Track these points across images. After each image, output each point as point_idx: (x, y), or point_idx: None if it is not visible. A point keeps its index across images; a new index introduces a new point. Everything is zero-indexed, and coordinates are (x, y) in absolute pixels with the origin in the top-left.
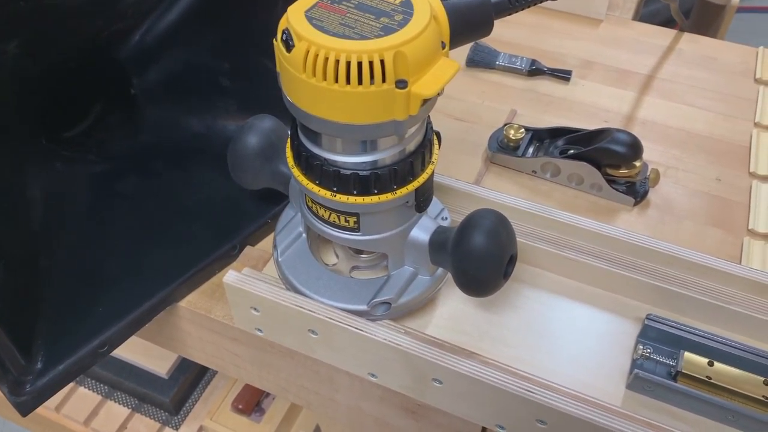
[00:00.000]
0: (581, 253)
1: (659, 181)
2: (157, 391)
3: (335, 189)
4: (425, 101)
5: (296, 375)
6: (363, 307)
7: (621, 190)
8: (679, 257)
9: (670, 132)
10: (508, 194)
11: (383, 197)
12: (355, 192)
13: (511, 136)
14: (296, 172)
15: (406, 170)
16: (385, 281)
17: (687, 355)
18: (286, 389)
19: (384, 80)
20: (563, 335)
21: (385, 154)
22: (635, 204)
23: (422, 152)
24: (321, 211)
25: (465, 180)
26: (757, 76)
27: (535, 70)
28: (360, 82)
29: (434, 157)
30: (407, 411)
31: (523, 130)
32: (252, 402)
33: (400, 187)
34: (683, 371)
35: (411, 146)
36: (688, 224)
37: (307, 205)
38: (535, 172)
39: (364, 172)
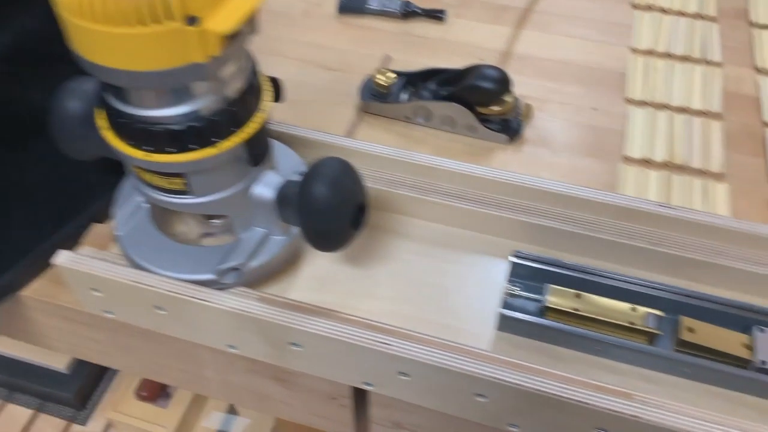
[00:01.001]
0: (445, 195)
1: (534, 116)
2: (60, 388)
3: (148, 148)
4: (227, 39)
5: (160, 355)
6: (209, 276)
7: (495, 128)
8: (545, 190)
9: (547, 65)
10: (375, 143)
11: (204, 153)
12: (171, 149)
13: (381, 82)
14: (108, 134)
15: (228, 121)
16: (234, 246)
17: (553, 288)
18: (156, 371)
19: (170, 17)
20: (434, 282)
21: (198, 104)
22: (510, 141)
23: (246, 100)
24: (145, 175)
25: (337, 132)
26: (634, 0)
27: (409, 13)
28: (142, 21)
29: (265, 104)
30: (276, 380)
31: (393, 74)
32: (156, 388)
33: (223, 140)
34: (550, 305)
35: (231, 93)
36: (564, 157)
37: (134, 171)
38: (408, 118)
39: (177, 126)
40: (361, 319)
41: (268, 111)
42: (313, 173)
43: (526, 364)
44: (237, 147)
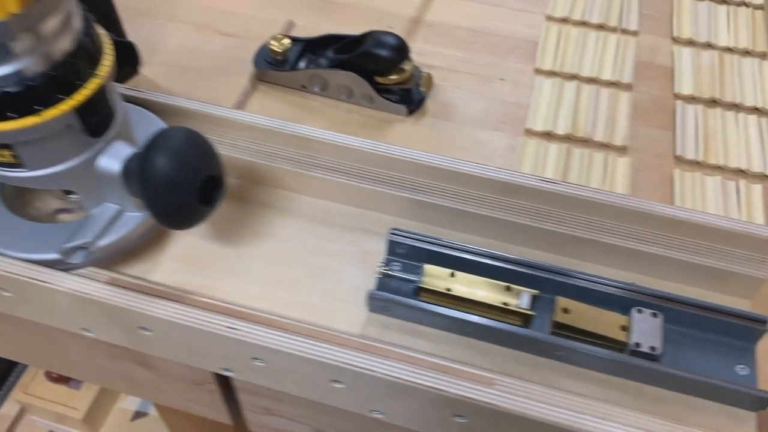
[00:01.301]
0: (326, 169)
1: (439, 88)
2: None
3: None
4: None
5: (25, 339)
6: (54, 255)
7: (395, 99)
8: (428, 164)
9: (458, 33)
10: (254, 114)
11: (26, 122)
12: None
13: (275, 48)
14: None
15: (52, 86)
16: (83, 223)
17: (428, 267)
18: (25, 355)
19: None
20: (311, 262)
21: (13, 67)
22: (410, 113)
23: (75, 63)
24: None
25: (227, 102)
26: None
27: None
28: None
29: (103, 69)
30: (140, 364)
31: (288, 41)
32: None
33: (49, 108)
34: (423, 285)
35: (55, 56)
36: (466, 130)
37: None
38: (305, 87)
39: None
40: (215, 303)
41: (107, 76)
42: (153, 144)
43: (386, 347)
44: (66, 115)
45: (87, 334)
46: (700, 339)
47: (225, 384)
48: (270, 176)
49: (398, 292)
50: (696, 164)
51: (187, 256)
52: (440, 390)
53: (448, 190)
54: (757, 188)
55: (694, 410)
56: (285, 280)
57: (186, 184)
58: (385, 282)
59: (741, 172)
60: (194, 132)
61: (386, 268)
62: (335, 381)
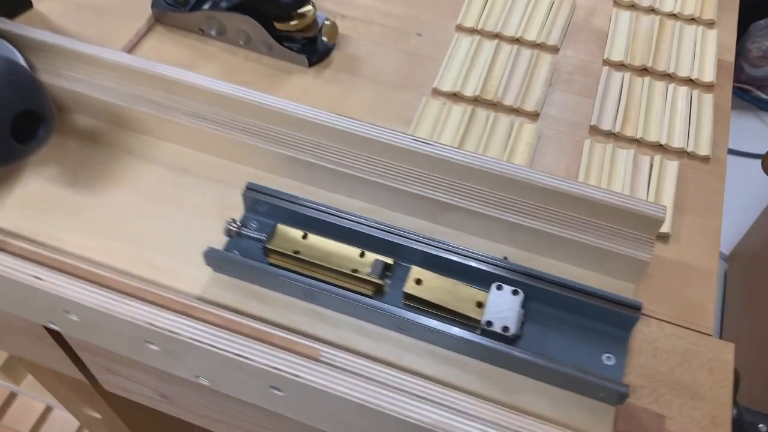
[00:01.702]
0: (191, 116)
1: (348, 39)
2: None
3: None
4: None
5: None
6: None
7: (296, 48)
8: (296, 116)
9: None
10: (117, 51)
11: None
12: None
13: None
14: None
15: None
16: None
17: (280, 227)
18: None
19: None
20: (164, 213)
21: None
22: (312, 64)
23: None
24: None
25: (118, 44)
26: None
27: None
28: None
29: None
30: None
31: None
32: None
33: None
34: (270, 246)
35: None
36: (369, 87)
37: None
38: (203, 31)
39: None
40: (30, 249)
41: None
42: None
43: (213, 310)
44: None
45: None
46: (568, 322)
47: (61, 339)
48: (132, 120)
49: (248, 252)
50: (611, 135)
51: (33, 201)
52: (248, 360)
53: (321, 147)
54: (674, 165)
55: (549, 400)
56: (133, 233)
57: None
58: (236, 241)
59: (660, 147)
60: (10, 62)
61: (235, 225)
62: (148, 342)
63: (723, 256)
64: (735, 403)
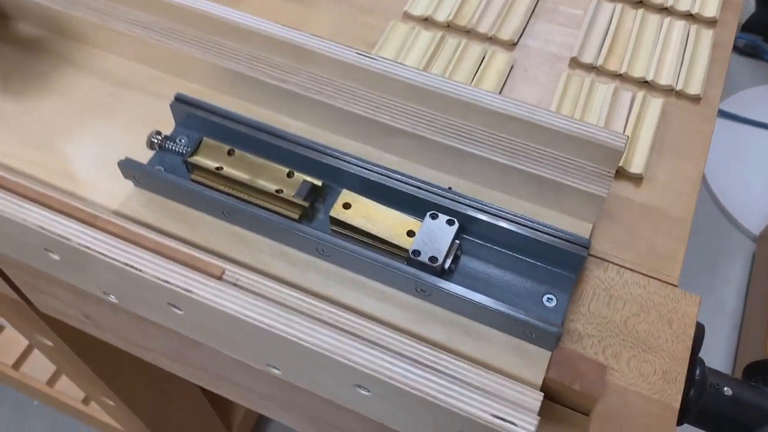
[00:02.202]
0: (133, 24)
1: None
2: None
3: None
4: None
5: None
6: None
7: None
8: (236, 24)
9: None
10: None
11: None
12: None
13: None
14: None
15: None
16: None
17: (206, 141)
18: None
19: None
20: (94, 125)
21: None
22: None
23: None
24: None
25: None
26: None
27: None
28: None
29: None
30: None
31: None
32: None
33: None
34: (191, 160)
35: None
36: (337, 7)
37: None
38: None
39: None
40: None
41: None
42: None
43: (120, 223)
44: None
45: None
46: (508, 259)
47: None
48: (73, 29)
49: (173, 168)
50: (593, 69)
51: None
52: (138, 271)
53: (266, 62)
54: (657, 102)
55: (477, 339)
56: (60, 144)
57: None
58: (161, 155)
59: (644, 84)
60: None
61: (159, 138)
62: (48, 251)
63: (752, 237)
64: (699, 361)
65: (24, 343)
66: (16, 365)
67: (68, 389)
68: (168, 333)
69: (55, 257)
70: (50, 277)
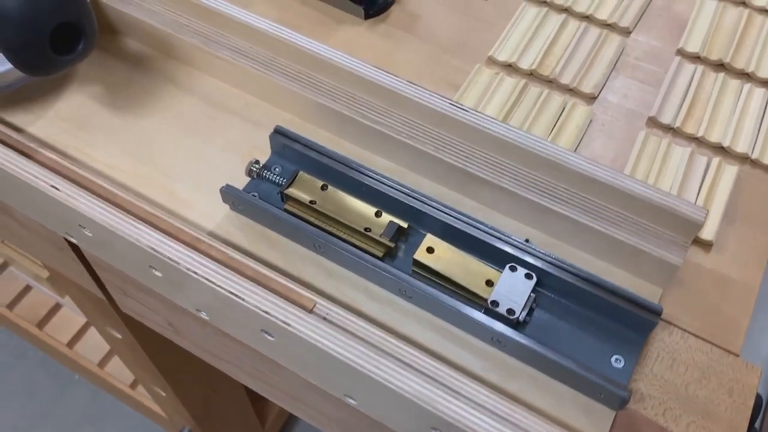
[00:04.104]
0: (235, 52)
1: None
2: None
3: None
4: None
5: None
6: None
7: None
8: (342, 67)
9: None
10: None
11: None
12: None
13: None
14: None
15: None
16: None
17: (301, 175)
18: None
19: None
20: (193, 145)
21: None
22: (368, 17)
23: None
24: None
25: None
26: None
27: None
28: None
29: None
30: (7, 214)
31: None
32: None
33: None
34: (287, 192)
35: None
36: (424, 47)
37: None
38: None
39: None
40: (56, 160)
41: None
42: None
43: (218, 246)
44: None
45: None
46: (581, 317)
47: (81, 254)
48: (178, 49)
49: (267, 195)
50: (670, 130)
51: (71, 115)
52: (240, 299)
53: (358, 100)
54: (732, 170)
55: (546, 392)
56: (160, 160)
57: (32, 24)
58: (257, 182)
59: (720, 149)
60: None
61: (257, 167)
62: (152, 267)
63: None
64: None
65: (80, 322)
66: (70, 344)
67: (118, 373)
68: (252, 352)
69: (158, 274)
70: (142, 286)
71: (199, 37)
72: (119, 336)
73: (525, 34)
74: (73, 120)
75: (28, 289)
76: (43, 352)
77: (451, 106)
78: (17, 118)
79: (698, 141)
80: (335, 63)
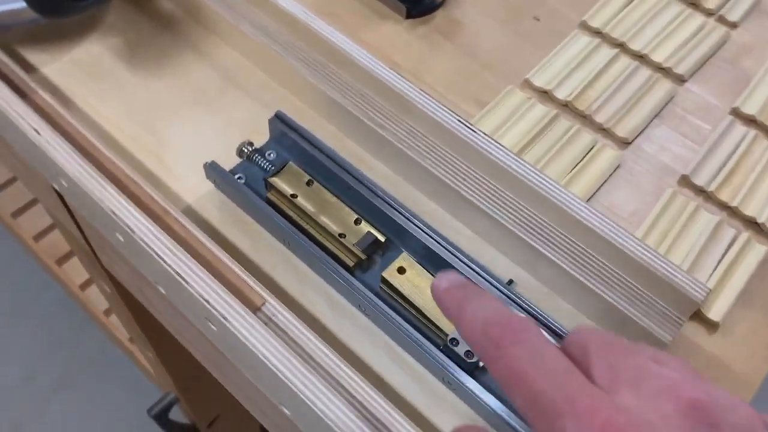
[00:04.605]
0: (259, 30)
1: (459, 2)
2: None
3: None
4: None
5: None
6: None
7: None
8: (353, 60)
9: None
10: None
11: None
12: None
13: None
14: None
15: None
16: None
17: (291, 165)
18: None
19: None
20: (196, 117)
21: None
22: (410, 16)
23: None
24: None
25: None
26: None
27: None
28: None
29: None
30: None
31: None
32: None
33: None
34: (271, 181)
35: None
36: (460, 57)
37: None
38: None
39: None
40: (51, 103)
41: None
42: None
43: (174, 213)
44: None
45: None
46: None
47: (65, 203)
48: (206, 16)
49: (254, 180)
50: (701, 192)
51: (85, 64)
52: (185, 282)
53: (369, 101)
54: (760, 250)
55: None
56: (158, 123)
57: None
58: (247, 165)
59: (753, 224)
60: None
61: (248, 148)
62: (116, 231)
63: None
64: None
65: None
66: (83, 286)
67: (121, 326)
68: (204, 337)
69: (121, 239)
70: (114, 247)
71: (225, 6)
72: (108, 290)
73: (569, 63)
74: (86, 68)
75: (53, 226)
76: (63, 289)
77: (459, 123)
78: (33, 56)
79: (731, 210)
80: (349, 57)
